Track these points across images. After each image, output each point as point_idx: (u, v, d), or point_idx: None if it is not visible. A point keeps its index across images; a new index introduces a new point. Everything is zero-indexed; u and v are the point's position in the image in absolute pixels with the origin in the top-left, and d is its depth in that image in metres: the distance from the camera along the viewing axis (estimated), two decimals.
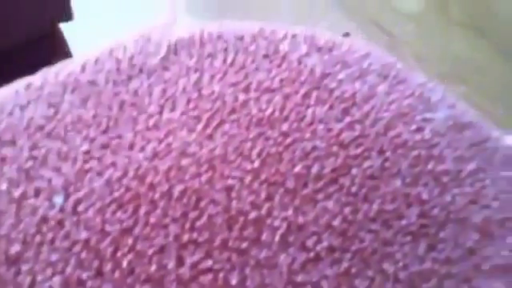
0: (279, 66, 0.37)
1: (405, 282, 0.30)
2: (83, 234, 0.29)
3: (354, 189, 0.32)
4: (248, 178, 0.31)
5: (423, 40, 1.30)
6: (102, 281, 0.28)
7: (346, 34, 1.15)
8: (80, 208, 0.30)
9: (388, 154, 0.34)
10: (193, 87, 0.35)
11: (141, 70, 0.36)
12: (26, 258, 0.28)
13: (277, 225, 0.30)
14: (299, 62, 0.37)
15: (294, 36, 0.39)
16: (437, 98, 0.38)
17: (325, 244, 0.30)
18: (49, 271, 0.28)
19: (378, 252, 0.30)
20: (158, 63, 0.36)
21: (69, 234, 0.29)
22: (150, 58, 0.37)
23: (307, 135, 0.34)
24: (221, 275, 0.29)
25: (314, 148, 0.33)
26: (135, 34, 0.39)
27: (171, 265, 0.28)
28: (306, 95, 0.36)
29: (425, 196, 0.32)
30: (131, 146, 0.32)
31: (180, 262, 0.28)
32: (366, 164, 0.33)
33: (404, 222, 0.31)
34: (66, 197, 0.30)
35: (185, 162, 0.32)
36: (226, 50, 0.38)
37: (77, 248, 0.28)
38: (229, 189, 0.31)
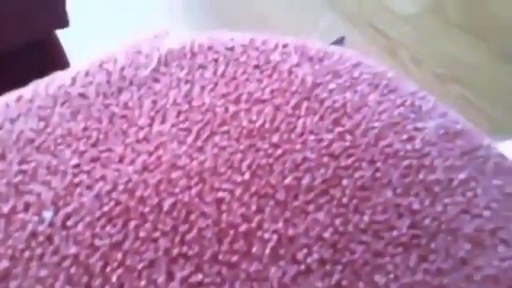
0: (270, 76, 0.37)
1: None
2: (72, 249, 0.29)
3: (344, 200, 0.32)
4: (238, 191, 0.31)
5: (420, 42, 1.30)
6: None
7: (342, 38, 1.15)
8: (69, 222, 0.30)
9: (379, 164, 0.34)
10: (183, 99, 0.35)
11: (131, 82, 0.36)
12: (14, 275, 0.28)
13: (267, 237, 0.30)
14: (290, 72, 0.37)
15: (284, 46, 0.39)
16: (428, 106, 0.38)
17: (315, 256, 0.30)
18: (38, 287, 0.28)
19: (369, 264, 0.30)
20: (148, 75, 0.36)
21: (58, 249, 0.29)
22: (141, 69, 0.37)
23: (298, 146, 0.34)
24: None
25: (305, 159, 0.33)
26: (126, 46, 0.39)
27: (161, 279, 0.28)
28: (297, 106, 0.36)
29: (416, 206, 0.32)
30: (121, 159, 0.32)
31: (170, 276, 0.28)
32: (357, 175, 0.33)
33: (395, 233, 0.31)
34: (56, 211, 0.30)
35: (175, 174, 0.32)
36: (216, 60, 0.38)
37: (66, 263, 0.28)
38: (219, 201, 0.31)
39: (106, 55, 0.38)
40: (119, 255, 0.29)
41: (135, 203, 0.30)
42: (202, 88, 0.36)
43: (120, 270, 0.28)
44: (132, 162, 0.32)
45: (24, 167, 0.32)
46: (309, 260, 0.29)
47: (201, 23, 1.32)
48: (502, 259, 0.32)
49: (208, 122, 0.34)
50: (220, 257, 0.29)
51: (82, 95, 0.35)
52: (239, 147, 0.33)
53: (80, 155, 0.32)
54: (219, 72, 0.37)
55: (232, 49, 0.38)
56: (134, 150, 0.32)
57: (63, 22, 0.83)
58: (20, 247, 0.29)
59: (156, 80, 0.36)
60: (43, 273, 0.28)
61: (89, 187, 0.31)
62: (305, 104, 0.36)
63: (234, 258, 0.29)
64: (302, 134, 0.34)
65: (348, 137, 0.34)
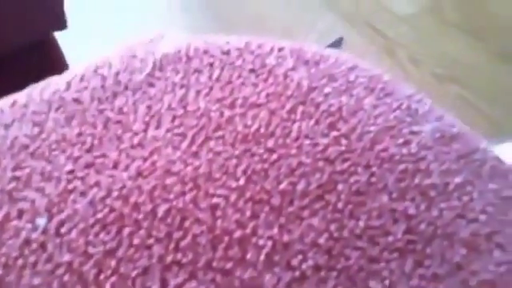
0: (265, 80, 0.37)
1: None
2: (66, 257, 0.29)
3: (340, 205, 0.32)
4: (233, 196, 0.31)
5: (418, 42, 1.30)
6: None
7: (340, 39, 1.15)
8: (63, 230, 0.29)
9: (374, 168, 0.34)
10: (178, 104, 0.35)
11: (126, 87, 0.36)
12: (7, 283, 0.28)
13: (262, 244, 0.30)
14: (286, 76, 0.37)
15: (280, 49, 0.39)
16: (424, 109, 0.38)
17: (310, 263, 0.30)
18: None
19: (365, 270, 0.30)
20: (143, 79, 0.36)
21: (52, 257, 0.29)
22: (136, 74, 0.36)
23: (293, 151, 0.33)
24: None
25: (300, 164, 0.33)
26: (121, 50, 0.39)
27: (155, 287, 0.28)
28: (292, 110, 0.36)
29: (411, 211, 0.32)
30: (115, 165, 0.32)
31: (164, 283, 0.28)
32: (353, 179, 0.33)
33: (390, 239, 0.31)
34: (50, 218, 0.30)
35: (169, 180, 0.31)
36: (212, 65, 0.37)
37: (60, 271, 0.28)
38: (214, 207, 0.31)
39: (101, 60, 0.38)
40: (113, 263, 0.28)
41: (129, 210, 0.30)
42: (197, 92, 0.36)
43: (114, 278, 0.28)
44: (126, 167, 0.32)
45: (18, 173, 0.32)
46: (303, 266, 0.29)
47: (198, 24, 1.32)
48: (497, 264, 0.31)
49: (203, 126, 0.34)
50: (214, 264, 0.29)
51: (77, 100, 0.35)
52: (234, 152, 0.33)
53: (74, 161, 0.32)
54: (214, 76, 0.37)
55: (228, 53, 0.38)
56: (128, 156, 0.32)
57: (61, 24, 0.83)
58: (13, 255, 0.29)
59: (151, 85, 0.36)
60: (36, 281, 0.28)
61: (83, 194, 0.31)
62: (300, 108, 0.36)
63: (229, 265, 0.29)
64: (297, 139, 0.34)
65: (343, 141, 0.34)
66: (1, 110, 0.35)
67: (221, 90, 0.36)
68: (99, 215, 0.30)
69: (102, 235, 0.29)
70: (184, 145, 0.33)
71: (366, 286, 0.29)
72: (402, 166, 0.34)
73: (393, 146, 0.35)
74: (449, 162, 0.35)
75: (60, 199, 0.31)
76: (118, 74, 0.36)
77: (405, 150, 0.35)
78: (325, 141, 0.34)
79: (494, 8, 1.34)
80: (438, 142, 0.36)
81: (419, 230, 0.32)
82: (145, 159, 0.32)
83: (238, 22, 1.29)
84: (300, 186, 0.32)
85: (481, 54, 1.25)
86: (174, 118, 0.34)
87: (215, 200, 0.31)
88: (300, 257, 0.30)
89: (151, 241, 0.29)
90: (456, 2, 1.37)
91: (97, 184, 0.31)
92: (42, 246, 0.29)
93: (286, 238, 0.30)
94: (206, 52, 0.38)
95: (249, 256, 0.29)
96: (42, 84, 0.37)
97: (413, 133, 0.36)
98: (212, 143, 0.33)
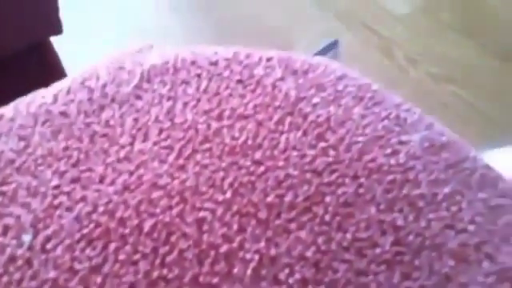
0: (253, 91, 0.37)
1: None
2: (52, 273, 0.28)
3: (327, 217, 0.32)
4: (220, 210, 0.31)
5: (415, 41, 1.30)
6: None
7: (335, 42, 1.15)
8: (49, 246, 0.29)
9: (362, 179, 0.33)
10: (165, 116, 0.35)
11: (113, 100, 0.36)
12: None
13: (249, 258, 0.30)
14: (274, 87, 0.37)
15: (268, 59, 0.39)
16: (413, 118, 0.37)
17: (297, 276, 0.29)
18: None
19: (352, 283, 0.30)
20: (130, 92, 0.36)
21: (37, 274, 0.28)
22: (123, 86, 0.36)
23: (280, 163, 0.33)
24: None
25: (287, 176, 0.33)
26: (108, 60, 0.39)
27: None
28: (280, 121, 0.35)
29: (400, 222, 0.32)
30: (102, 180, 0.32)
31: None
32: (340, 191, 0.33)
33: (378, 251, 0.31)
34: (35, 234, 0.30)
35: (156, 194, 0.31)
36: (199, 76, 0.37)
37: None
38: (200, 221, 0.31)
39: (88, 71, 0.37)
40: (99, 279, 0.28)
41: (115, 225, 0.30)
42: (185, 104, 0.36)
43: None
44: (112, 182, 0.32)
45: (4, 189, 0.32)
46: (291, 280, 0.29)
47: (189, 24, 1.31)
48: (486, 275, 0.31)
49: (190, 139, 0.34)
50: (201, 279, 0.29)
51: (64, 114, 0.35)
52: (221, 165, 0.33)
53: (60, 176, 0.32)
54: (202, 87, 0.37)
55: (215, 63, 0.38)
56: (114, 170, 0.32)
57: (57, 29, 0.83)
58: None
59: (138, 97, 0.36)
60: None
61: (69, 209, 0.31)
62: (288, 119, 0.36)
63: (215, 280, 0.29)
64: (284, 151, 0.34)
65: (331, 152, 0.34)
66: None
67: (208, 101, 0.36)
68: (85, 230, 0.30)
69: (87, 251, 0.29)
70: (171, 158, 0.33)
71: None
72: (390, 177, 0.34)
73: (381, 157, 0.35)
74: (437, 171, 0.35)
75: (46, 215, 0.30)
76: (105, 86, 0.36)
77: (393, 161, 0.35)
78: (312, 152, 0.34)
79: (489, 7, 1.34)
80: (427, 151, 0.36)
81: (407, 241, 0.32)
82: (131, 173, 0.32)
83: (231, 22, 1.29)
84: (287, 199, 0.32)
85: (477, 53, 1.25)
86: (161, 130, 0.34)
87: (202, 214, 0.31)
88: (287, 270, 0.30)
89: (137, 256, 0.29)
90: (452, 1, 1.37)
91: (83, 199, 0.31)
92: (28, 262, 0.29)
93: (273, 251, 0.30)
94: (193, 63, 0.38)
95: (235, 271, 0.29)
96: (29, 97, 0.37)
97: (401, 143, 0.36)
98: (199, 156, 0.33)
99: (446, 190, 0.34)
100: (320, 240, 0.31)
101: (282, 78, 0.38)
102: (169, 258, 0.29)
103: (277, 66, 0.38)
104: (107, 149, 0.33)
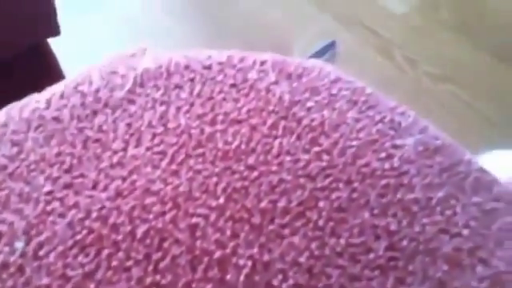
0: (247, 95, 0.37)
1: None
2: (44, 280, 0.28)
3: (321, 222, 0.32)
4: (213, 216, 0.31)
5: (413, 41, 1.30)
6: None
7: (333, 42, 1.15)
8: (41, 252, 0.29)
9: (356, 184, 0.33)
10: (158, 121, 0.35)
11: (106, 104, 0.36)
12: None
13: (242, 264, 0.30)
14: (268, 91, 0.37)
15: (262, 63, 0.39)
16: (408, 122, 0.37)
17: (291, 282, 0.29)
18: None
19: None
20: (123, 96, 0.36)
21: (30, 281, 0.28)
22: (116, 91, 0.36)
23: (274, 168, 0.33)
24: None
25: (281, 181, 0.33)
26: (102, 65, 0.38)
27: None
28: (274, 125, 0.35)
29: (393, 227, 0.32)
30: (94, 186, 0.32)
31: None
32: (334, 196, 0.33)
33: (372, 256, 0.31)
34: (28, 240, 0.30)
35: (149, 200, 0.31)
36: (193, 80, 0.37)
37: None
38: (193, 227, 0.31)
39: (81, 76, 0.37)
40: (92, 286, 0.28)
41: (108, 231, 0.30)
42: (178, 109, 0.35)
43: None
44: (105, 188, 0.32)
45: None
46: (284, 286, 0.29)
47: (187, 25, 1.31)
48: (480, 279, 0.31)
49: (183, 144, 0.34)
50: (194, 285, 0.29)
51: (56, 119, 0.35)
52: (214, 170, 0.33)
53: (53, 182, 0.32)
54: (195, 92, 0.36)
55: (209, 67, 0.38)
56: (107, 176, 0.32)
57: (54, 31, 0.83)
58: None
59: (131, 101, 0.36)
60: None
61: (61, 215, 0.31)
62: (282, 123, 0.35)
63: (208, 286, 0.29)
64: (278, 155, 0.34)
65: (325, 157, 0.34)
66: None
67: (201, 106, 0.36)
68: (78, 237, 0.30)
69: (80, 257, 0.29)
70: (164, 163, 0.33)
71: None
72: (384, 181, 0.34)
73: (375, 161, 0.34)
74: (432, 175, 0.35)
75: (38, 221, 0.30)
76: (98, 90, 0.36)
77: (387, 165, 0.34)
78: (306, 157, 0.34)
79: (488, 7, 1.34)
80: (421, 155, 0.36)
81: (401, 246, 0.32)
82: (124, 179, 0.32)
83: (228, 22, 1.29)
84: (281, 204, 0.32)
85: (475, 53, 1.25)
86: (154, 135, 0.34)
87: (195, 220, 0.31)
88: (280, 276, 0.30)
89: (130, 262, 0.29)
90: (450, 1, 1.37)
91: (76, 205, 0.31)
92: (20, 269, 0.29)
93: (266, 257, 0.30)
94: (187, 67, 0.38)
95: (229, 277, 0.29)
96: (22, 102, 0.36)
97: (395, 147, 0.36)
98: (192, 161, 0.33)
99: (440, 194, 0.34)
100: (313, 245, 0.31)
101: (275, 82, 0.38)
102: (162, 265, 0.29)
103: (271, 69, 0.38)
104: (100, 154, 0.33)
